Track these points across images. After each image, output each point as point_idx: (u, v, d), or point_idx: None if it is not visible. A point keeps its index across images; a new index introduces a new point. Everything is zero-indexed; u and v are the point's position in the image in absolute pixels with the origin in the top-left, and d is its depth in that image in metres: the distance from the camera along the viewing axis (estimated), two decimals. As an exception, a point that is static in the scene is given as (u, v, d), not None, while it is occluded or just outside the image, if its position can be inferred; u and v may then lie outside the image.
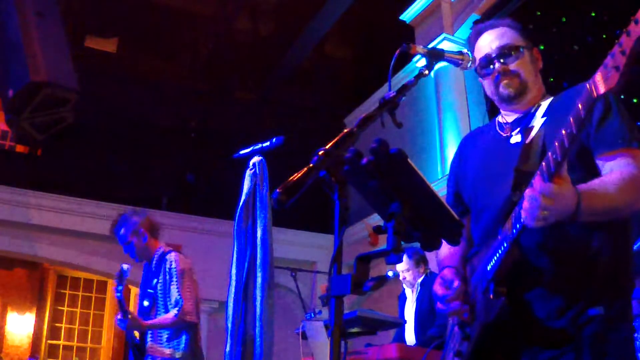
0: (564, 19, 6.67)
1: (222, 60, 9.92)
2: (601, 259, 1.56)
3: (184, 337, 3.60)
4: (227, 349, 2.72)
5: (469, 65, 1.73)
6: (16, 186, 8.26)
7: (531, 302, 1.57)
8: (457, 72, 7.45)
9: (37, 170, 8.94)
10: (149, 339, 3.65)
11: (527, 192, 1.39)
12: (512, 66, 1.75)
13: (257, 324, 2.72)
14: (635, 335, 3.88)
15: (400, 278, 4.52)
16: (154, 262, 3.76)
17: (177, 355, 3.57)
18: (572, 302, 1.53)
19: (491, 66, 1.77)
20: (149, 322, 3.58)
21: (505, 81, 1.75)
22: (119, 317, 3.53)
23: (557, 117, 1.61)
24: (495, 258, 1.57)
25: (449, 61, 1.71)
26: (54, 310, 12.66)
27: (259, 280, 2.78)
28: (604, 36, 6.10)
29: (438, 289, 1.69)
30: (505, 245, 1.53)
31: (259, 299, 2.74)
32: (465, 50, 1.74)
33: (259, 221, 2.86)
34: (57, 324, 12.63)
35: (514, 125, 1.78)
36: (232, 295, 2.80)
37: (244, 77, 10.31)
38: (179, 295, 3.57)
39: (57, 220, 8.38)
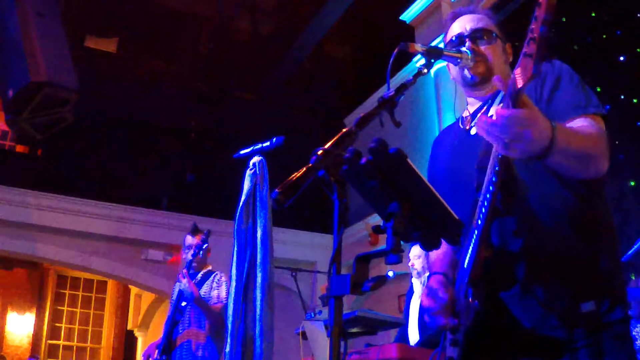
0: (564, 19, 6.67)
1: (222, 60, 9.92)
2: (581, 253, 1.50)
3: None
4: (227, 349, 2.72)
5: (467, 63, 1.71)
6: (16, 186, 8.25)
7: (512, 302, 1.52)
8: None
9: (37, 170, 8.93)
10: (180, 332, 4.19)
11: (498, 111, 1.29)
12: (483, 49, 1.72)
13: (257, 324, 2.72)
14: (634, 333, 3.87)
15: (409, 264, 4.49)
16: (199, 276, 4.37)
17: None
18: (557, 300, 1.48)
19: (461, 47, 1.73)
20: (202, 300, 4.15)
21: (471, 63, 1.70)
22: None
23: None
24: (467, 259, 1.52)
25: (448, 59, 1.69)
26: (54, 310, 12.68)
27: (259, 280, 2.78)
28: (604, 36, 6.10)
29: (425, 300, 1.61)
30: (473, 243, 1.48)
31: (259, 299, 2.74)
32: (463, 49, 1.72)
33: (259, 221, 2.86)
34: (57, 324, 12.65)
35: (473, 116, 1.75)
36: (232, 295, 2.80)
37: (243, 77, 10.30)
38: (226, 296, 4.15)
39: (57, 220, 8.37)
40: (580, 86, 1.56)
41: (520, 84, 1.21)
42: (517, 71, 1.23)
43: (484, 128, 1.30)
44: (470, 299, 1.49)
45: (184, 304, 4.22)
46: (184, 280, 4.12)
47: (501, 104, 1.56)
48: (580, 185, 1.53)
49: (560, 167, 1.44)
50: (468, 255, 1.51)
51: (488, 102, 1.73)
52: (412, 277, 4.61)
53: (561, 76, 1.57)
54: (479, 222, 1.44)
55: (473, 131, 1.71)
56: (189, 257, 4.35)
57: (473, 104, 1.79)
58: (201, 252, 4.35)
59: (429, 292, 1.61)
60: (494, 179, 1.44)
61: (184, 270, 4.20)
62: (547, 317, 1.48)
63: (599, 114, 1.52)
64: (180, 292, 4.23)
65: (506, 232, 1.52)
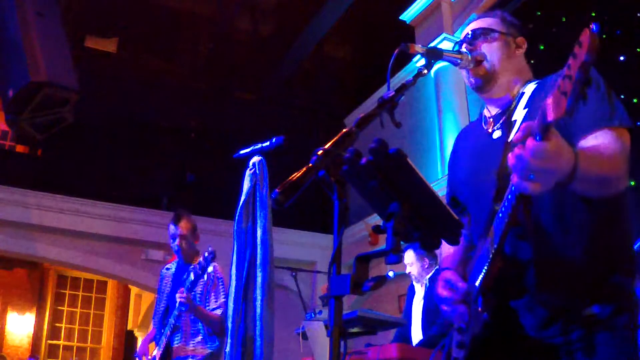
0: (564, 19, 6.68)
1: (222, 60, 9.92)
2: (590, 259, 1.49)
3: (217, 340, 3.93)
4: (227, 349, 2.72)
5: (467, 64, 1.72)
6: (16, 186, 8.25)
7: (520, 312, 1.52)
8: (457, 72, 7.42)
9: (37, 170, 8.93)
10: (175, 342, 3.92)
11: (516, 150, 1.23)
12: (481, 47, 1.72)
13: (257, 324, 2.72)
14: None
15: (407, 272, 4.50)
16: (192, 274, 4.07)
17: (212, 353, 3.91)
18: (565, 306, 1.48)
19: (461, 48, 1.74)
20: (204, 310, 3.89)
21: (471, 65, 1.70)
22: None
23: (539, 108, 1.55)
24: (479, 260, 1.52)
25: (448, 60, 1.70)
26: (54, 310, 12.68)
27: (259, 280, 2.78)
28: (604, 36, 6.10)
29: (442, 291, 1.63)
30: (489, 255, 1.48)
31: (259, 299, 2.75)
32: (463, 49, 1.73)
33: (259, 221, 2.86)
34: (57, 324, 12.66)
35: (496, 118, 1.73)
36: (232, 295, 2.80)
37: (243, 77, 10.30)
38: (224, 298, 3.89)
39: (57, 220, 8.37)
40: (607, 96, 1.51)
41: (550, 117, 1.17)
42: (549, 102, 1.18)
43: (512, 161, 1.26)
44: (480, 309, 1.49)
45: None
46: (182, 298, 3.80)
47: (525, 110, 1.58)
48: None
49: (578, 190, 1.41)
50: (479, 259, 1.52)
51: (510, 107, 1.70)
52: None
53: (590, 82, 1.54)
54: (496, 231, 1.43)
55: (495, 135, 1.69)
56: (192, 277, 3.95)
57: (492, 106, 1.78)
58: (205, 275, 3.99)
59: (446, 283, 1.63)
60: (514, 189, 1.40)
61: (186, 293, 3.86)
62: (554, 324, 1.49)
63: (624, 127, 1.48)
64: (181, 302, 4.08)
65: (517, 239, 1.51)
